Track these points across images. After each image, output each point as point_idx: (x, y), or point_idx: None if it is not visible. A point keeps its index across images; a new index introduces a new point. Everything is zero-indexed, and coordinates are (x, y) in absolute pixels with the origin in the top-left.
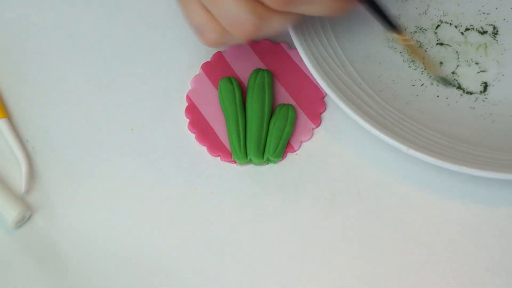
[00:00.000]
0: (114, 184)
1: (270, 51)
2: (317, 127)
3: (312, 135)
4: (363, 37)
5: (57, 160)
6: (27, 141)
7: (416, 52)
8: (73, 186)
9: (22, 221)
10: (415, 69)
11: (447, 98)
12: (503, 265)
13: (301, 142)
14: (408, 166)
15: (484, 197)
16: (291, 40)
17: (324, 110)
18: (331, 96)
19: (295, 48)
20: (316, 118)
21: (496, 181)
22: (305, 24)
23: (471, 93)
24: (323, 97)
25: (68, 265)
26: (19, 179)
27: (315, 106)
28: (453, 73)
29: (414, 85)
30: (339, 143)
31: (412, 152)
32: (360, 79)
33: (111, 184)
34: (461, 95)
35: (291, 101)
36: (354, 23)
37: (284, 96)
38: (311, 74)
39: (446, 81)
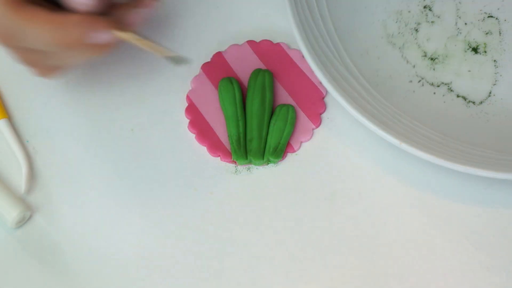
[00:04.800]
0: (114, 184)
1: (270, 51)
2: (317, 127)
3: (312, 135)
4: (362, 31)
5: (57, 160)
6: (27, 141)
7: (141, 42)
8: (73, 186)
9: (22, 221)
10: (414, 66)
11: (443, 95)
12: (503, 265)
13: (301, 142)
14: (408, 167)
15: (484, 197)
16: (291, 40)
17: (324, 110)
18: (327, 87)
19: (295, 49)
20: (316, 118)
21: (496, 181)
22: (306, 18)
23: (467, 92)
24: (323, 97)
25: (68, 265)
26: (19, 179)
27: (315, 106)
28: (456, 73)
29: (411, 81)
30: (339, 143)
31: (404, 146)
32: (357, 72)
33: (111, 184)
34: (458, 94)
35: (291, 101)
36: (354, 17)
37: (284, 96)
38: (311, 70)
39: (178, 60)
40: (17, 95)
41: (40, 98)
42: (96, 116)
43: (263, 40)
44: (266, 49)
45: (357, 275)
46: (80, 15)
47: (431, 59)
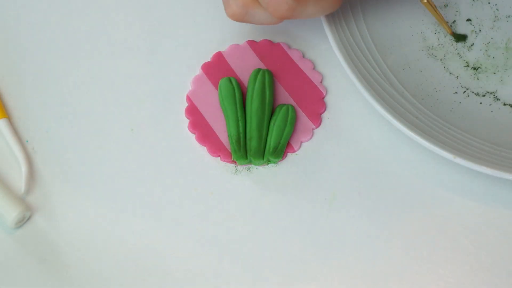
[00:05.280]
0: (114, 184)
1: (270, 51)
2: (317, 127)
3: (312, 135)
4: (402, 45)
5: (57, 160)
6: (27, 141)
7: (436, 12)
8: (73, 186)
9: (22, 221)
10: (457, 77)
11: (490, 105)
12: (503, 265)
13: (301, 142)
14: (408, 167)
15: (484, 197)
16: (291, 40)
17: (324, 110)
18: (375, 106)
19: (295, 49)
20: (316, 118)
21: (496, 180)
22: (347, 37)
23: None
24: (323, 97)
25: (68, 265)
26: (19, 179)
27: (315, 106)
28: (501, 81)
29: (456, 92)
30: (339, 143)
31: (458, 160)
32: (402, 87)
33: (111, 184)
34: (504, 103)
35: (291, 101)
36: (393, 31)
37: (284, 96)
38: (311, 70)
39: (460, 37)
40: (17, 95)
41: (40, 98)
42: (96, 116)
43: (263, 40)
44: (266, 49)
45: (357, 275)
46: None
47: (474, 68)
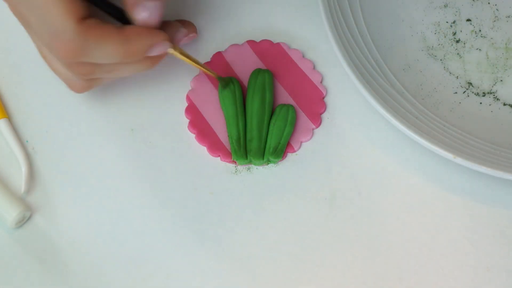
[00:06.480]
0: (114, 184)
1: (270, 51)
2: (317, 127)
3: (312, 135)
4: (402, 45)
5: (57, 160)
6: (27, 141)
7: (187, 58)
8: (73, 186)
9: (22, 221)
10: (457, 77)
11: (490, 105)
12: (503, 265)
13: (301, 142)
14: (408, 167)
15: (484, 197)
16: (291, 40)
17: (324, 110)
18: (375, 106)
19: (295, 49)
20: (316, 118)
21: (496, 180)
22: (347, 37)
23: None
24: (323, 97)
25: (68, 265)
26: (19, 179)
27: (315, 106)
28: (501, 81)
29: (456, 93)
30: (339, 143)
31: (458, 160)
32: (402, 87)
33: (111, 184)
34: (504, 103)
35: (291, 101)
36: (393, 32)
37: (284, 96)
38: (311, 70)
39: (225, 81)
40: (17, 95)
41: (40, 98)
42: (96, 116)
43: (263, 40)
44: (266, 49)
45: (357, 275)
46: (142, 28)
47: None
